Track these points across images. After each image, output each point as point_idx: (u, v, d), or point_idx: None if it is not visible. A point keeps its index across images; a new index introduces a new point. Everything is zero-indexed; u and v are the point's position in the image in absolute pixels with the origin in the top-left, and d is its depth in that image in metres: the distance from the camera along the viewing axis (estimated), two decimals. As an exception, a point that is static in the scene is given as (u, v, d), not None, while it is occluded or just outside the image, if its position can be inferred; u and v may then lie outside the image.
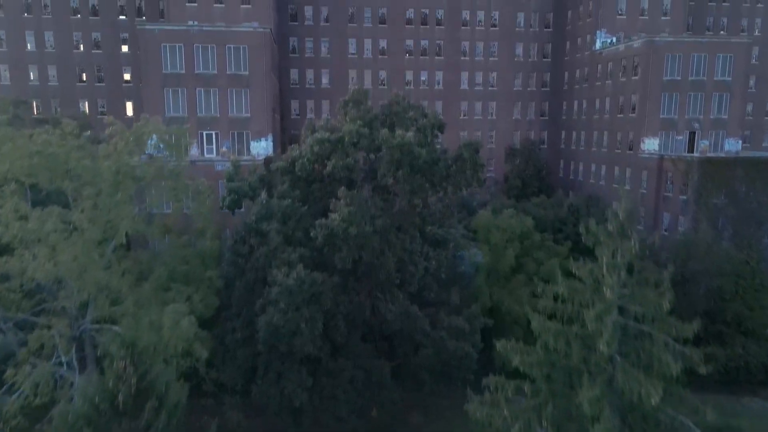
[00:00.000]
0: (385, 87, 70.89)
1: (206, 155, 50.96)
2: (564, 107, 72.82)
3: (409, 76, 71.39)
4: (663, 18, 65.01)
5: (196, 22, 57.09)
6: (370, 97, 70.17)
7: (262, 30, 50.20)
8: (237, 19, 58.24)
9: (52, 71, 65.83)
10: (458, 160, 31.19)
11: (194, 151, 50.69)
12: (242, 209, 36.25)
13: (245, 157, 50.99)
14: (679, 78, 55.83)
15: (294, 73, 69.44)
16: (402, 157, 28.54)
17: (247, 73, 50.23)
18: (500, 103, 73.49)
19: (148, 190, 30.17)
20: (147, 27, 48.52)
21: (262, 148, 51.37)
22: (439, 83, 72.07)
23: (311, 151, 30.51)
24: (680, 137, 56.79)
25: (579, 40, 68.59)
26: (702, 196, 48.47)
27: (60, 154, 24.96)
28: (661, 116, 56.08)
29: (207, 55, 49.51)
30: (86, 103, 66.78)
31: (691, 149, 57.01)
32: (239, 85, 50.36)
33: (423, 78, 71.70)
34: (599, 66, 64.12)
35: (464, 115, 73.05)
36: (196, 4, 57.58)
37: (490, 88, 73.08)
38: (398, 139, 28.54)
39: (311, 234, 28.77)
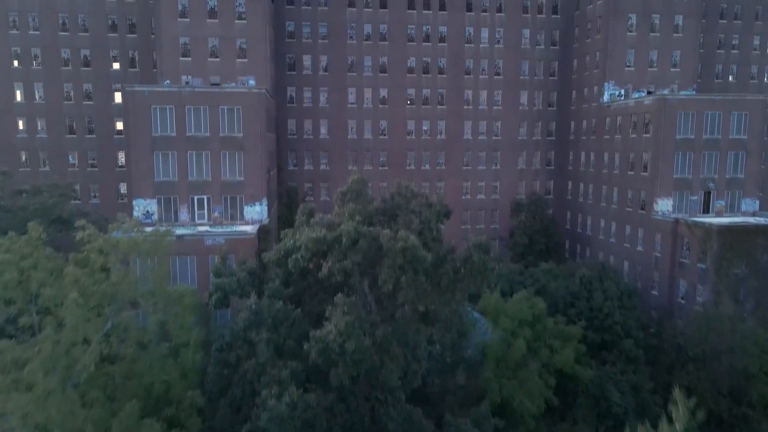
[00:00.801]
0: (386, 137, 68.75)
1: (197, 220, 48.30)
2: (570, 157, 70.49)
3: (411, 125, 69.19)
4: (673, 69, 63.06)
5: (189, 77, 55.15)
6: (371, 146, 68.90)
7: (257, 90, 47.93)
8: (232, 74, 56.25)
9: (41, 123, 63.58)
10: (467, 261, 28.42)
11: (184, 217, 48.09)
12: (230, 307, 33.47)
13: (238, 223, 48.49)
14: (692, 136, 53.51)
15: (291, 124, 67.24)
16: (405, 262, 25.82)
17: (241, 135, 47.83)
18: (505, 153, 71.19)
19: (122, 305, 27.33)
20: (136, 88, 46.26)
21: (256, 213, 48.74)
22: (441, 133, 69.84)
23: (306, 248, 27.77)
24: (695, 197, 54.26)
25: (585, 90, 66.55)
26: (722, 266, 45.71)
27: (20, 275, 22.26)
28: (674, 176, 53.63)
29: (199, 116, 47.15)
30: (75, 154, 64.42)
31: (706, 209, 54.45)
32: (233, 147, 47.92)
33: (425, 127, 69.50)
34: (608, 119, 61.90)
35: (467, 165, 70.69)
36: (190, 59, 55.55)
37: (494, 138, 70.84)
38: (401, 243, 25.85)
39: (304, 347, 25.89)
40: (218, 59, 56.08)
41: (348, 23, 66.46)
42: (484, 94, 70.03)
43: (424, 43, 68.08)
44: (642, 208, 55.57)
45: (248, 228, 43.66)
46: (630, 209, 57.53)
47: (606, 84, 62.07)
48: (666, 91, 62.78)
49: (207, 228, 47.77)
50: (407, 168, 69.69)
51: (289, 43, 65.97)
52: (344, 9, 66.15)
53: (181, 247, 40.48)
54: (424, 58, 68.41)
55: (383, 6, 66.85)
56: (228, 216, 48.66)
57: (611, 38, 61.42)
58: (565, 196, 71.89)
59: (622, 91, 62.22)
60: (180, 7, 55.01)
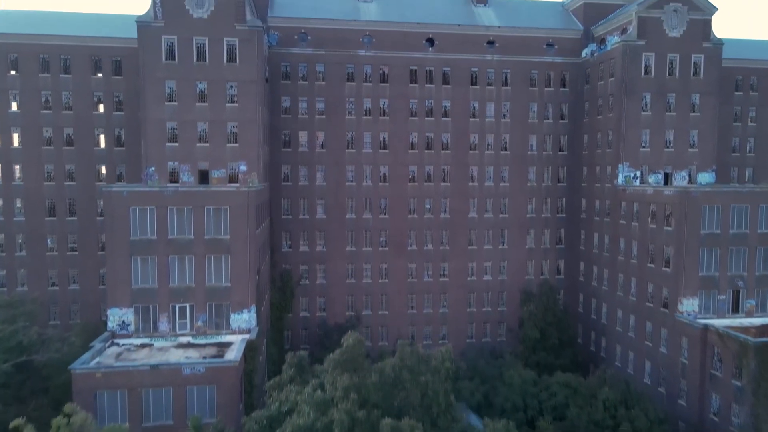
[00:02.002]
0: (386, 216, 64.76)
1: (178, 330, 43.78)
2: (582, 236, 66.40)
3: (413, 204, 65.29)
4: (690, 150, 59.55)
5: (176, 163, 51.41)
6: (370, 226, 64.81)
7: (245, 189, 44.05)
8: (222, 159, 52.61)
9: (19, 204, 59.63)
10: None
11: (164, 327, 43.64)
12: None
13: (224, 332, 44.00)
14: (718, 231, 49.49)
15: (286, 204, 63.33)
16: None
17: (228, 237, 43.80)
18: (512, 232, 67.10)
19: None
20: (114, 189, 42.37)
21: (243, 321, 44.31)
22: (445, 211, 65.90)
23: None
24: (723, 296, 49.88)
25: (598, 169, 62.87)
26: (761, 387, 40.96)
27: None
28: (700, 273, 49.38)
29: (183, 218, 43.20)
30: (55, 238, 60.27)
31: (735, 309, 50.04)
32: (219, 251, 43.81)
33: (428, 206, 65.59)
34: (623, 203, 57.98)
35: (473, 245, 66.51)
36: (177, 144, 51.92)
37: (501, 216, 66.85)
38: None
39: None
40: (207, 144, 52.47)
41: (347, 98, 63.25)
42: (490, 170, 66.37)
43: (426, 118, 64.78)
44: (665, 306, 51.11)
45: (231, 354, 39.05)
46: (651, 305, 53.06)
47: (620, 165, 58.39)
48: (684, 174, 59.24)
49: (189, 339, 43.35)
50: (409, 249, 65.51)
51: (284, 119, 62.61)
52: (343, 83, 63.03)
53: (155, 378, 35.98)
54: (427, 134, 64.99)
55: (383, 80, 63.75)
56: (213, 325, 44.25)
57: (625, 118, 58.04)
58: (576, 277, 67.51)
59: (638, 173, 58.52)
60: (167, 91, 51.66)
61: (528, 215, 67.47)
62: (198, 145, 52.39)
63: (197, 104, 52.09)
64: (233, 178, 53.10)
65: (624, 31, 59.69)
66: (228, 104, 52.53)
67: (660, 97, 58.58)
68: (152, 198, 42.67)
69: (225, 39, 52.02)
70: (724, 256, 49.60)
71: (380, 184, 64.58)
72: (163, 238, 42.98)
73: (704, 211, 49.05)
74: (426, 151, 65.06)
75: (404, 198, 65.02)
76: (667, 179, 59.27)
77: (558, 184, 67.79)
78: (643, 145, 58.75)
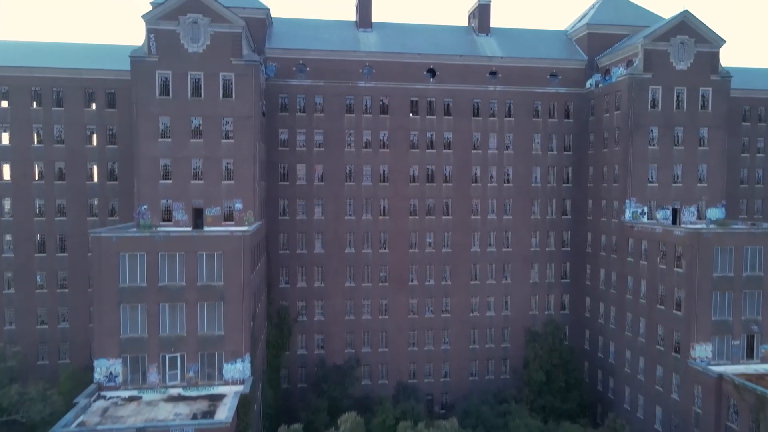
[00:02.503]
0: (386, 251, 62.97)
1: (168, 382, 41.78)
2: (588, 271, 64.57)
3: (414, 238, 63.53)
4: (699, 185, 57.93)
5: (169, 200, 49.72)
6: (370, 261, 63.00)
7: (240, 234, 42.31)
8: (217, 197, 50.88)
9: (8, 240, 57.89)
10: None
11: (153, 378, 41.65)
12: None
13: (216, 383, 42.01)
14: (731, 274, 47.70)
15: (283, 238, 61.59)
16: None
17: (222, 283, 41.99)
18: (516, 266, 65.28)
19: None
20: (102, 235, 40.60)
21: (237, 371, 42.36)
22: (447, 245, 64.10)
23: None
24: (737, 342, 47.97)
25: (604, 202, 61.22)
26: (782, 445, 38.89)
27: None
28: (712, 318, 47.49)
29: (174, 264, 41.43)
30: (44, 275, 58.42)
31: (750, 355, 48.13)
32: (212, 298, 41.97)
33: (429, 240, 63.82)
34: (630, 240, 56.23)
35: (475, 280, 64.63)
36: (170, 182, 50.23)
37: (504, 249, 65.06)
38: None
39: None
40: (202, 181, 50.79)
41: (346, 130, 61.77)
42: (493, 203, 64.70)
43: (428, 150, 63.25)
44: (676, 351, 49.15)
45: (223, 413, 37.03)
46: (661, 348, 51.09)
47: (627, 201, 56.72)
48: (693, 209, 57.55)
49: (180, 391, 41.37)
50: (410, 284, 63.64)
51: (282, 152, 61.07)
52: (342, 115, 61.58)
53: (142, 442, 33.90)
54: (428, 166, 63.41)
55: (384, 111, 62.32)
56: (204, 376, 42.28)
57: (632, 153, 56.49)
58: (582, 313, 65.55)
59: (645, 209, 56.83)
60: (161, 127, 50.10)
61: (532, 249, 65.69)
62: (192, 182, 50.71)
63: (192, 140, 50.51)
64: (228, 216, 51.40)
65: (629, 63, 58.37)
66: (223, 140, 50.96)
67: (667, 130, 57.09)
68: (142, 244, 40.91)
69: (221, 74, 50.58)
70: (738, 299, 47.76)
71: (380, 217, 62.88)
72: (154, 285, 41.16)
73: (716, 253, 47.29)
74: (427, 184, 63.43)
75: (405, 232, 63.28)
76: (675, 215, 57.59)
77: (562, 217, 66.08)
78: (650, 180, 57.13)
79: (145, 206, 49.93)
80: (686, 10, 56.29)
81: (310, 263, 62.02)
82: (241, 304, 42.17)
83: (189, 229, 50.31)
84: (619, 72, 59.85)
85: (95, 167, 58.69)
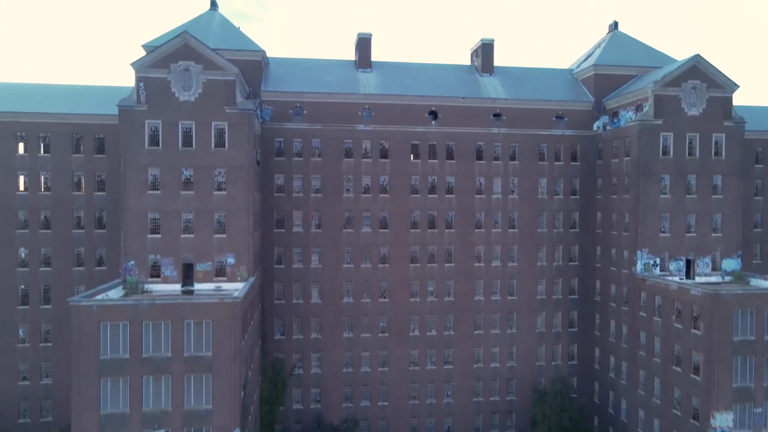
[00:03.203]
0: (386, 300, 60.27)
1: (152, 460, 38.82)
2: (597, 321, 61.83)
3: (415, 286, 60.86)
4: (713, 235, 55.41)
5: (158, 256, 47.20)
6: (369, 311, 60.28)
7: (230, 301, 39.65)
8: (209, 251, 48.40)
9: (-11, 292, 55.21)
10: None
11: (136, 457, 38.63)
12: None
13: (204, 461, 38.95)
14: (752, 338, 44.95)
15: (279, 288, 58.93)
16: None
17: (210, 354, 39.25)
18: (521, 315, 62.53)
19: None
20: (82, 303, 37.93)
21: (226, 448, 39.36)
22: (449, 293, 61.42)
23: None
24: (759, 410, 45.08)
25: (613, 251, 58.67)
26: None
27: None
28: (734, 385, 44.64)
29: (159, 334, 38.71)
30: (27, 328, 55.67)
31: (773, 424, 45.08)
32: (200, 369, 39.20)
33: (431, 288, 61.15)
34: (643, 294, 53.57)
35: (479, 329, 61.85)
36: (159, 236, 47.73)
37: (509, 298, 62.35)
38: None
39: None
40: (192, 235, 48.29)
41: (344, 175, 59.43)
42: (497, 250, 62.14)
43: (429, 195, 60.84)
44: (694, 417, 46.23)
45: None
46: (678, 413, 48.17)
47: (639, 252, 54.15)
48: (707, 260, 54.98)
49: (164, 470, 38.30)
50: (410, 334, 60.84)
51: (278, 198, 58.65)
52: (340, 160, 59.29)
53: None
54: (430, 212, 60.95)
55: (384, 155, 60.05)
56: (191, 453, 39.23)
57: (643, 202, 54.06)
58: (591, 364, 62.67)
59: (657, 260, 54.26)
60: (150, 179, 47.74)
61: (538, 297, 63.00)
62: (182, 236, 48.22)
63: (182, 192, 48.13)
64: (220, 272, 48.86)
65: (639, 107, 56.21)
66: (216, 192, 48.59)
67: (680, 178, 54.74)
68: (126, 312, 38.24)
69: (213, 123, 48.39)
70: (760, 364, 44.98)
71: (380, 265, 60.28)
72: (137, 356, 38.41)
73: (736, 316, 44.63)
74: (429, 230, 60.94)
75: (405, 280, 60.64)
76: (689, 266, 55.01)
77: (570, 264, 63.46)
78: (662, 230, 54.64)
79: (132, 262, 47.41)
80: (698, 55, 54.26)
81: (307, 313, 59.27)
82: (231, 375, 39.37)
83: (178, 286, 47.90)
84: (628, 116, 57.69)
85: (82, 215, 56.16)
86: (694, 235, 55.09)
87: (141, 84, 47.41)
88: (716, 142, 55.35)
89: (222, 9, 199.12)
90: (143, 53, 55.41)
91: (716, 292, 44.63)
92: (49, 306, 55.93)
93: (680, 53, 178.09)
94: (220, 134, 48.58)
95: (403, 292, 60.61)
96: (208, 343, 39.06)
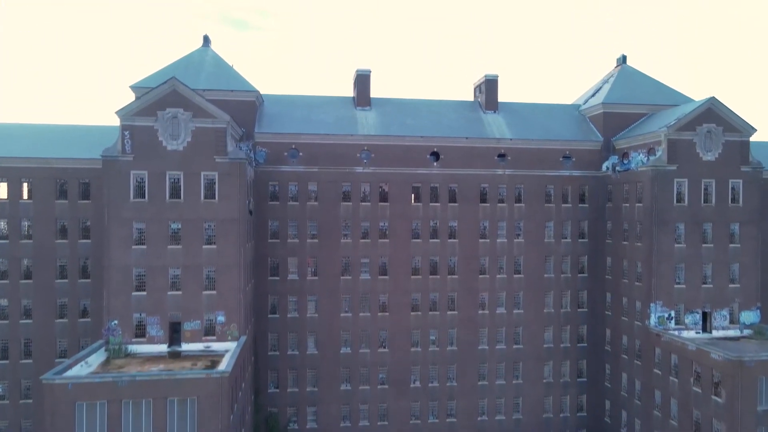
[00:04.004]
0: (386, 350, 57.36)
1: None
2: (608, 371, 58.85)
3: (416, 335, 57.94)
4: (731, 286, 52.59)
5: (143, 314, 44.32)
6: (368, 362, 57.32)
7: (217, 375, 36.72)
8: (198, 309, 45.62)
9: (-33, 345, 52.27)
10: None
11: None
12: None
13: None
14: (778, 407, 41.98)
15: (273, 338, 56.05)
16: None
17: (195, 433, 36.21)
18: (527, 364, 59.57)
19: None
20: (56, 381, 34.99)
21: None
22: (452, 343, 58.50)
23: None
24: (786, 484, 41.97)
25: (624, 300, 55.82)
26: None
27: None
28: (758, 458, 41.62)
29: (140, 413, 35.74)
30: (6, 384, 52.65)
31: (801, 499, 41.99)
32: (184, 451, 36.15)
33: (432, 337, 58.23)
34: (657, 349, 50.64)
35: (484, 380, 58.88)
36: (145, 293, 44.92)
37: (514, 347, 59.42)
38: None
39: None
40: (180, 292, 45.45)
41: (342, 219, 56.67)
42: (502, 296, 59.29)
43: (431, 240, 58.06)
44: (716, 490, 43.19)
45: None
46: (697, 482, 45.14)
47: (652, 305, 51.30)
48: (725, 312, 52.14)
49: None
50: (411, 386, 57.85)
51: (272, 244, 55.83)
52: (338, 204, 56.55)
53: None
54: (432, 257, 58.14)
55: (383, 199, 57.31)
56: None
57: (656, 251, 51.30)
58: (601, 417, 59.63)
59: (672, 313, 51.42)
60: (135, 233, 44.95)
61: (545, 345, 60.07)
62: (169, 293, 45.37)
63: (169, 247, 45.33)
64: (210, 330, 45.99)
65: (651, 150, 53.58)
66: (205, 246, 45.80)
67: (695, 227, 52.01)
68: (103, 390, 35.31)
69: (203, 173, 45.70)
70: (786, 435, 42.00)
71: (379, 314, 57.39)
72: (116, 438, 35.42)
73: (761, 384, 41.69)
74: (430, 277, 58.10)
75: (406, 329, 57.73)
76: (705, 319, 52.14)
77: (578, 310, 60.57)
78: (677, 281, 51.83)
79: (115, 322, 44.55)
80: (713, 98, 51.70)
81: (302, 365, 56.31)
82: (218, 457, 36.34)
83: (165, 346, 45.05)
84: (639, 158, 55.06)
85: (66, 264, 53.30)
86: (711, 286, 52.27)
87: (126, 133, 44.75)
88: (733, 189, 52.70)
89: (221, 17, 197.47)
90: (131, 93, 52.99)
91: (739, 358, 41.72)
92: (30, 360, 52.93)
93: (688, 86, 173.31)
94: (209, 185, 45.87)
95: (404, 342, 57.69)
96: (193, 422, 36.10)
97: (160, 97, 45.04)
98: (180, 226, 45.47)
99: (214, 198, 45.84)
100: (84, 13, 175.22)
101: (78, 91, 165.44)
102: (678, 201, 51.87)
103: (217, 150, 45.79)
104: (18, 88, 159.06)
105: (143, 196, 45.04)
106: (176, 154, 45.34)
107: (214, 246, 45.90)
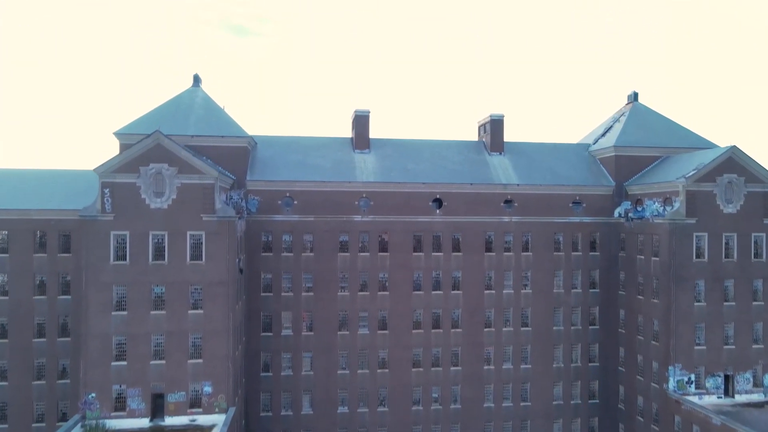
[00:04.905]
0: (386, 408, 53.95)
1: None
2: (621, 431, 55.37)
3: (418, 393, 54.56)
4: (754, 347, 49.29)
5: (123, 386, 40.97)
6: (366, 421, 53.91)
7: (200, 471, 33.36)
8: (183, 379, 42.42)
9: (-63, 409, 48.75)
10: None
11: None
12: None
13: None
14: (813, 494, 38.52)
15: (265, 398, 52.64)
16: None
17: None
18: (536, 422, 56.15)
19: None
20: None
21: None
22: (456, 400, 55.10)
23: None
24: None
25: (640, 358, 52.48)
26: None
27: None
28: None
29: None
30: (-20, 450, 49.22)
31: None
32: None
33: (435, 395, 54.84)
34: (677, 417, 47.23)
35: (490, 440, 55.43)
36: (125, 363, 41.59)
37: (522, 404, 56.01)
38: None
39: None
40: (163, 361, 42.18)
41: (339, 271, 53.44)
42: (508, 351, 55.94)
43: (433, 292, 54.80)
44: None
45: None
46: None
47: (671, 368, 47.94)
48: (748, 376, 48.85)
49: None
50: (413, 448, 54.40)
51: (265, 298, 52.57)
52: (335, 255, 53.32)
53: None
54: (434, 310, 54.86)
55: (383, 249, 54.10)
56: None
57: (675, 310, 48.01)
58: (615, 479, 56.14)
59: (692, 377, 48.05)
60: (115, 298, 41.72)
61: (554, 401, 56.68)
62: (152, 362, 42.10)
63: (152, 313, 42.13)
64: (195, 402, 42.70)
65: (667, 200, 50.40)
66: (191, 311, 42.60)
67: (716, 284, 48.77)
68: (73, 490, 31.91)
69: (189, 233, 42.55)
70: None
71: (378, 371, 54.05)
72: None
73: (794, 469, 38.28)
74: (433, 331, 54.78)
75: (407, 386, 54.36)
76: (727, 382, 48.77)
77: (589, 364, 57.21)
78: (697, 341, 48.52)
79: (93, 395, 41.26)
80: (734, 146, 48.63)
81: (297, 426, 52.88)
82: None
83: (146, 420, 41.69)
84: (654, 207, 51.87)
85: (44, 322, 49.96)
86: (733, 347, 48.95)
87: (106, 190, 41.62)
88: (756, 242, 49.48)
89: (220, 23, 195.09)
90: (115, 140, 49.93)
91: (770, 441, 38.36)
92: (6, 425, 49.46)
93: (700, 122, 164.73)
94: (196, 245, 42.69)
95: (405, 400, 54.29)
96: None
97: (143, 152, 41.97)
98: (164, 290, 42.25)
99: (201, 259, 42.66)
100: (83, 15, 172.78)
101: (60, 132, 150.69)
102: (697, 256, 48.64)
103: (204, 208, 42.64)
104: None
105: (124, 258, 41.84)
106: (160, 212, 42.18)
107: (200, 311, 42.67)
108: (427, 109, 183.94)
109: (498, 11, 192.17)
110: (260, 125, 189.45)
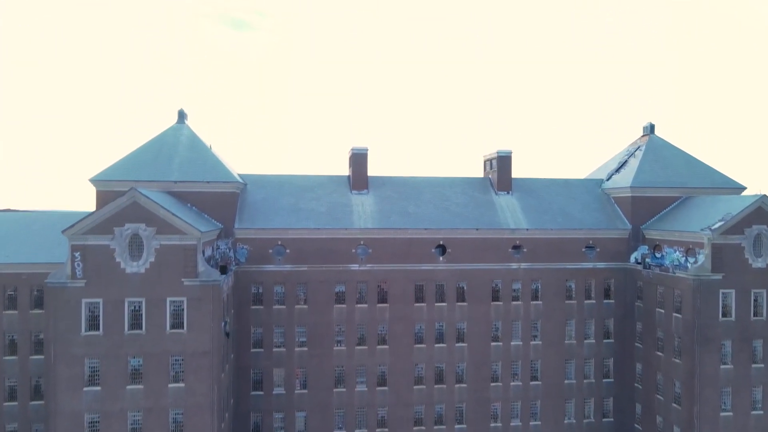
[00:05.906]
0: (386, 471, 50.19)
1: None
2: (637, 493, 51.83)
3: (419, 454, 50.88)
4: (783, 413, 45.45)
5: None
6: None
7: None
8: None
9: None
10: None
11: None
12: None
13: None
14: None
15: (256, 463, 48.91)
16: None
17: None
18: (546, 483, 52.53)
19: None
20: None
21: None
22: (460, 460, 51.44)
23: None
24: None
25: (659, 419, 48.75)
26: None
27: None
28: None
29: None
30: None
31: None
32: None
33: (438, 456, 51.14)
34: (701, 490, 43.58)
35: (496, 503, 51.79)
36: (98, 443, 37.71)
37: (531, 463, 52.35)
38: None
39: None
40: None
41: (335, 324, 49.65)
42: (517, 407, 52.24)
43: (437, 345, 51.07)
44: None
45: None
46: None
47: (694, 436, 44.26)
48: (778, 444, 44.96)
49: None
50: None
51: (255, 354, 48.79)
52: (330, 307, 49.52)
53: None
54: (437, 364, 51.11)
55: (382, 300, 50.32)
56: None
57: (699, 375, 44.23)
58: None
59: (718, 446, 44.31)
60: (87, 371, 37.90)
61: (566, 460, 53.01)
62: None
63: (128, 387, 38.30)
64: (176, 484, 38.81)
65: (690, 251, 46.58)
66: (171, 385, 38.78)
67: (744, 344, 45.05)
68: None
69: (169, 299, 38.70)
70: None
71: (377, 430, 50.32)
72: None
73: None
74: (436, 386, 51.07)
75: (408, 447, 50.64)
76: (755, 450, 45.09)
77: (603, 420, 53.51)
78: (723, 407, 44.79)
79: (63, 480, 37.34)
80: (763, 195, 44.80)
81: (290, 490, 49.21)
82: None
83: (122, 506, 37.75)
84: (674, 256, 48.05)
85: (15, 384, 46.11)
86: (761, 412, 45.25)
87: (77, 254, 37.71)
88: (786, 299, 45.67)
89: (219, 17, 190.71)
90: (92, 187, 46.02)
91: None
92: (-25, 493, 45.77)
93: (715, 153, 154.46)
94: (177, 312, 38.83)
95: (406, 462, 50.60)
96: None
97: (118, 211, 38.04)
98: (141, 362, 38.41)
99: (183, 328, 38.82)
100: (83, 15, 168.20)
101: (34, 174, 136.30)
102: (724, 315, 44.87)
103: (186, 271, 38.74)
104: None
105: (97, 329, 38.00)
106: (137, 277, 38.27)
107: (182, 384, 38.85)
108: (428, 110, 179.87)
109: (498, 11, 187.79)
110: (260, 125, 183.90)
